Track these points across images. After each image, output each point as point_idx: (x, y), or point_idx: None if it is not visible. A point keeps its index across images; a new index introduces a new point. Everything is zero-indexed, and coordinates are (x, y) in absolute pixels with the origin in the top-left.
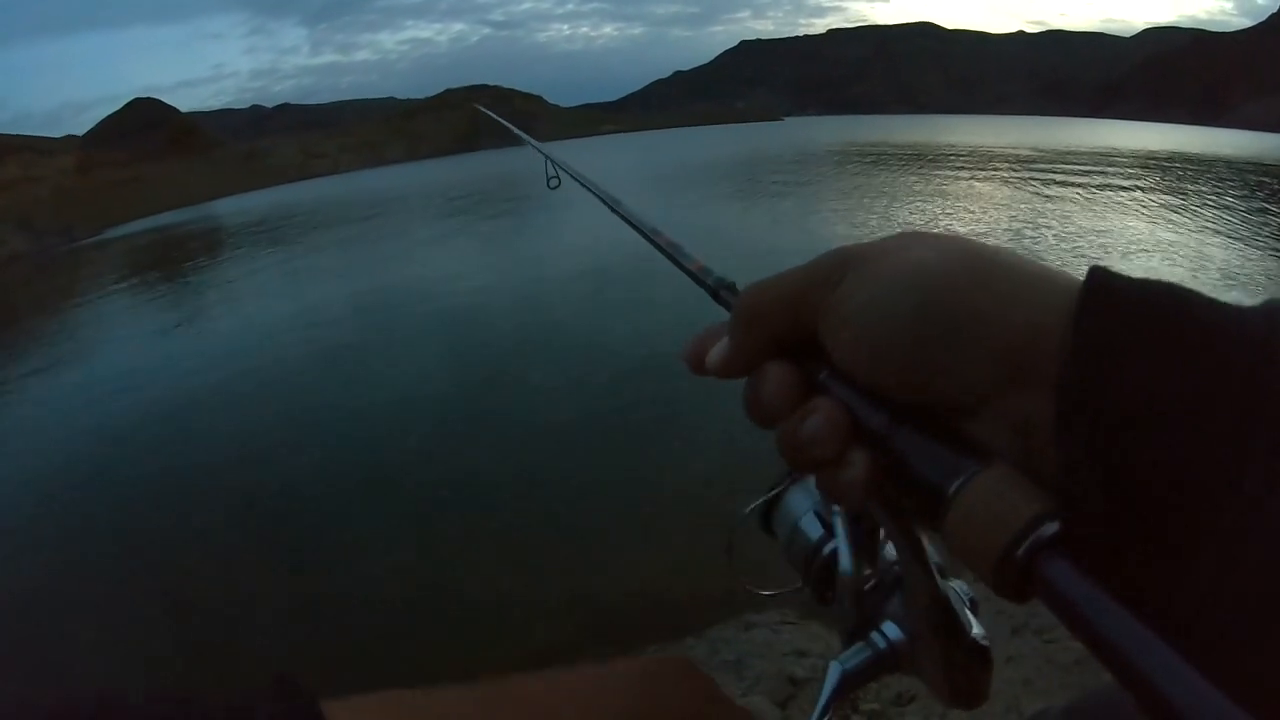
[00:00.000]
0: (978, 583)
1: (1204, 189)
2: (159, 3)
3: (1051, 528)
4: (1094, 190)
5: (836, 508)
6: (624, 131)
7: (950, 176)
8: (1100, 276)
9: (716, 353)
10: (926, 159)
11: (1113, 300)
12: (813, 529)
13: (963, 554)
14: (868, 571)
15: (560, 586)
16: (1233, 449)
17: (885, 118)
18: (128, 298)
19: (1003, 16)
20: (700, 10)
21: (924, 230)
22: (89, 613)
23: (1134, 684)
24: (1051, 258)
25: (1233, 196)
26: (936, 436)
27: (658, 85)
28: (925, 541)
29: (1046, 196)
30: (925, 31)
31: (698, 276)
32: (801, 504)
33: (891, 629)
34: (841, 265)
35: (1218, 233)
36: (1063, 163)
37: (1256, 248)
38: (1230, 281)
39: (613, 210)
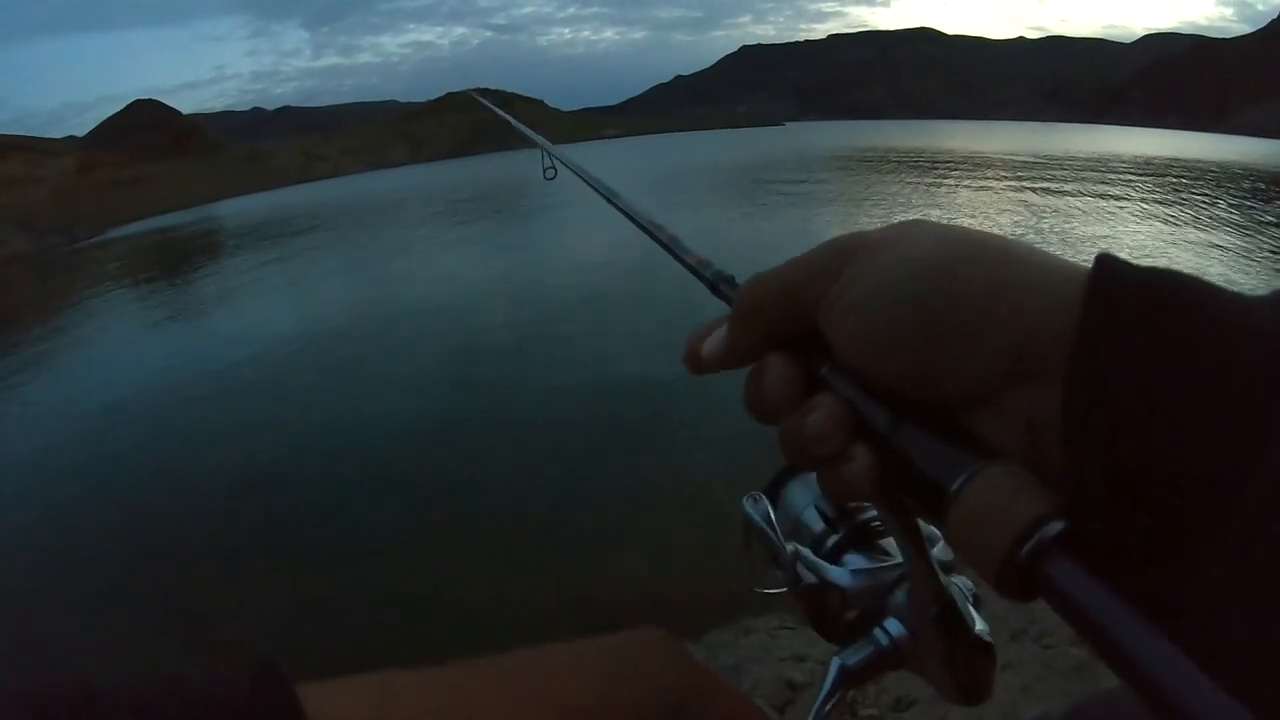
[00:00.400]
0: (974, 575)
1: (1204, 195)
2: (160, 4)
3: (1056, 527)
4: (1093, 197)
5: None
6: (625, 135)
7: (951, 183)
8: (1108, 265)
9: (714, 342)
10: (927, 164)
11: (1120, 291)
12: (815, 523)
13: (966, 552)
14: (871, 568)
15: (557, 589)
16: (1241, 446)
17: (886, 123)
18: (128, 299)
19: (1003, 22)
20: (701, 15)
21: (926, 220)
22: (83, 608)
23: (1140, 685)
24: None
25: (1233, 203)
26: (940, 432)
27: (659, 89)
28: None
29: (1047, 201)
30: (926, 36)
31: (697, 270)
32: (802, 498)
33: (894, 625)
34: (843, 255)
35: (1217, 239)
36: (1062, 168)
37: (1257, 256)
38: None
39: (610, 202)
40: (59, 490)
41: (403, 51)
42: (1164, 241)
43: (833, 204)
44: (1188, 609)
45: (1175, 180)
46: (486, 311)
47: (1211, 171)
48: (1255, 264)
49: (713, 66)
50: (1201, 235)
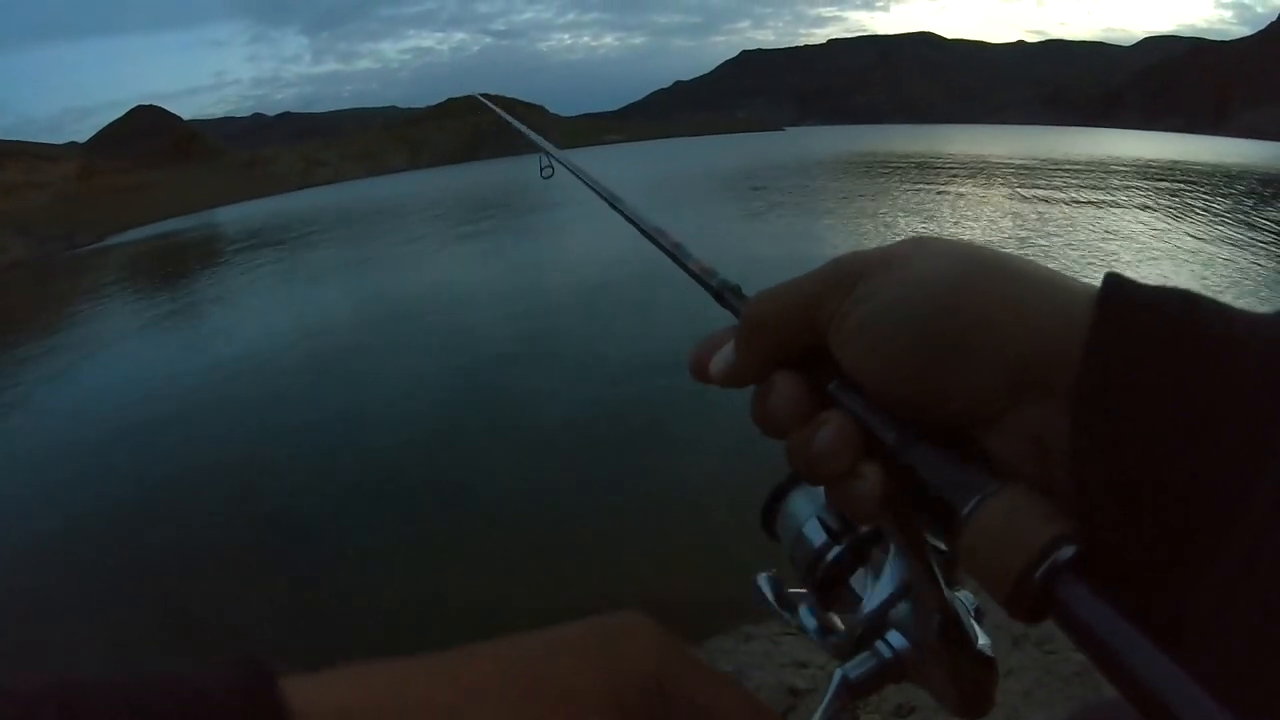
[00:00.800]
0: (981, 593)
1: (1205, 197)
2: (161, 10)
3: (1069, 551)
4: (1095, 200)
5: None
6: (625, 141)
7: (952, 187)
8: (1116, 284)
9: (721, 361)
10: (927, 169)
11: (1129, 310)
12: (816, 535)
13: (977, 573)
14: (873, 580)
15: (557, 592)
16: (1248, 467)
17: (885, 127)
18: (128, 304)
19: (1002, 26)
20: (701, 20)
21: (934, 236)
22: (81, 610)
23: (1150, 709)
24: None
25: (1233, 204)
26: (951, 452)
27: (659, 95)
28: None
29: (1047, 207)
30: (925, 41)
31: (702, 279)
32: (805, 508)
33: (896, 638)
34: (851, 273)
35: (1218, 241)
36: (1061, 172)
37: (1258, 257)
38: (1235, 289)
39: (612, 206)
40: (56, 492)
41: (403, 58)
42: (1163, 243)
43: (832, 210)
44: (1194, 627)
45: (1175, 183)
46: (486, 316)
47: (1213, 174)
48: (1255, 265)
49: (712, 72)
50: (1201, 237)
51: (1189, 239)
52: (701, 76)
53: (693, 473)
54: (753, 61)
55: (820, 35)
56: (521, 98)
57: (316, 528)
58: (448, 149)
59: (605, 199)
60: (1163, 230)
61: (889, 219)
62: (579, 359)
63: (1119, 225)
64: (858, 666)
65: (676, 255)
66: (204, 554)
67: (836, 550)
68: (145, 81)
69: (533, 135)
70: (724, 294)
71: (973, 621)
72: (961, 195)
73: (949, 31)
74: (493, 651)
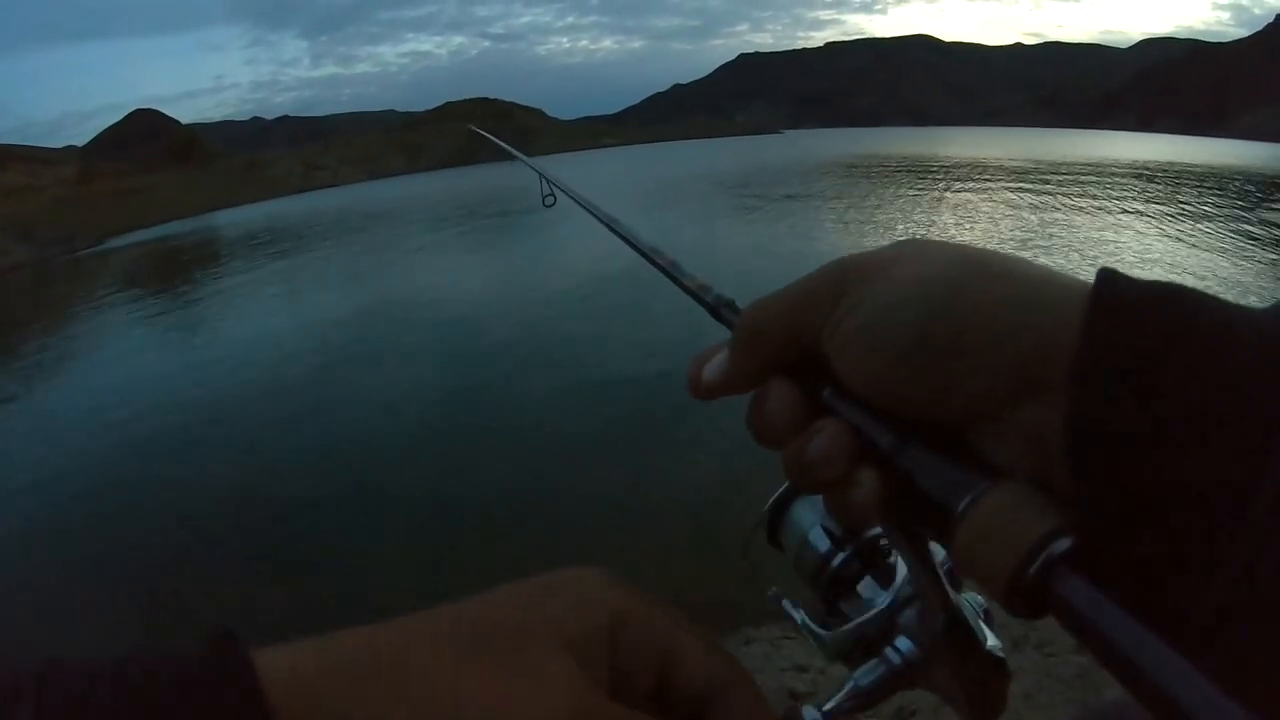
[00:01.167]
0: (979, 588)
1: (1203, 199)
2: (160, 14)
3: (1064, 544)
4: (1094, 203)
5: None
6: (623, 144)
7: (950, 189)
8: (1110, 280)
9: (714, 369)
10: (925, 171)
11: (1123, 304)
12: (821, 542)
13: (973, 572)
14: (880, 586)
15: None
16: (1248, 459)
17: (884, 130)
18: (125, 308)
19: (1000, 28)
20: (699, 24)
21: (927, 239)
22: (73, 611)
23: (1153, 700)
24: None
25: (1230, 206)
26: (945, 453)
27: (657, 98)
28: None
29: (1045, 212)
30: (923, 44)
31: (697, 294)
32: (808, 517)
33: (905, 643)
34: (843, 279)
35: (1215, 243)
36: (1060, 174)
37: (1254, 259)
38: (1233, 289)
39: (610, 229)
40: (55, 497)
41: (401, 61)
42: (1161, 243)
43: (827, 218)
44: (1197, 623)
45: (1175, 184)
46: (485, 325)
47: (1211, 175)
48: (1253, 265)
49: (710, 75)
50: (1197, 238)
51: (1185, 240)
52: (699, 80)
53: (691, 477)
54: (750, 65)
55: (818, 38)
56: (520, 101)
57: (313, 528)
58: (446, 153)
59: (604, 223)
60: (1160, 232)
61: (886, 223)
62: (576, 364)
63: (1117, 226)
64: (868, 674)
65: (672, 273)
66: (199, 554)
67: (841, 557)
68: (144, 85)
69: (532, 164)
70: (719, 309)
71: (981, 623)
72: (959, 199)
73: (947, 34)
74: (455, 610)
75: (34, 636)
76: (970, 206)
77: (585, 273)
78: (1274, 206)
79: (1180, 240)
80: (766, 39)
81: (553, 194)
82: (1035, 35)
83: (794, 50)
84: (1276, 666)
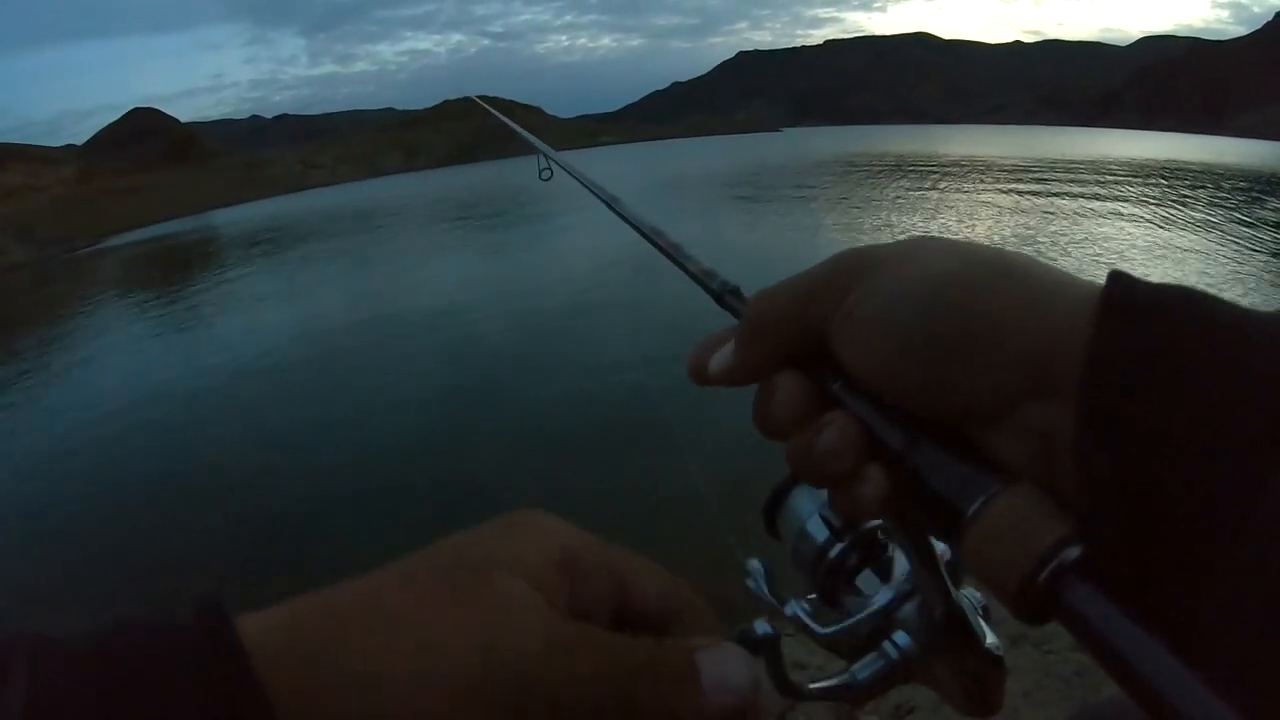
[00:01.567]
0: (986, 593)
1: (1205, 197)
2: (159, 12)
3: (1075, 552)
4: (1095, 199)
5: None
6: (622, 142)
7: (949, 187)
8: (1120, 282)
9: (720, 360)
10: (925, 169)
11: (1134, 306)
12: (819, 532)
13: (982, 575)
14: (879, 580)
15: None
16: (1258, 467)
17: (883, 128)
18: (124, 306)
19: (999, 26)
20: (698, 22)
21: (938, 236)
22: (71, 603)
23: (1160, 712)
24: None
25: (1232, 204)
26: (956, 451)
27: (656, 96)
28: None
29: (1048, 206)
30: (922, 42)
31: (702, 280)
32: (807, 506)
33: (903, 638)
34: (853, 271)
35: (1216, 239)
36: (1059, 172)
37: (1256, 256)
38: (1236, 288)
39: (610, 209)
40: (55, 494)
41: (400, 59)
42: (1161, 243)
43: (824, 216)
44: (1202, 630)
45: (1174, 183)
46: (484, 318)
47: (1216, 174)
48: (1253, 264)
49: (710, 73)
50: (1199, 236)
51: (1188, 238)
52: (699, 78)
53: (690, 470)
54: (750, 63)
55: (817, 36)
56: (519, 99)
57: (312, 522)
58: (444, 151)
59: (604, 200)
60: (1162, 230)
61: (885, 220)
62: (575, 356)
63: (1118, 225)
64: (865, 668)
65: (676, 257)
66: (199, 550)
67: (840, 547)
68: (143, 84)
69: (530, 137)
70: (724, 296)
71: (980, 620)
72: (958, 196)
73: (946, 32)
74: (419, 556)
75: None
76: (970, 204)
77: (586, 263)
78: (1272, 204)
79: (1181, 238)
80: (766, 37)
81: (549, 168)
82: (1034, 33)
83: (793, 48)
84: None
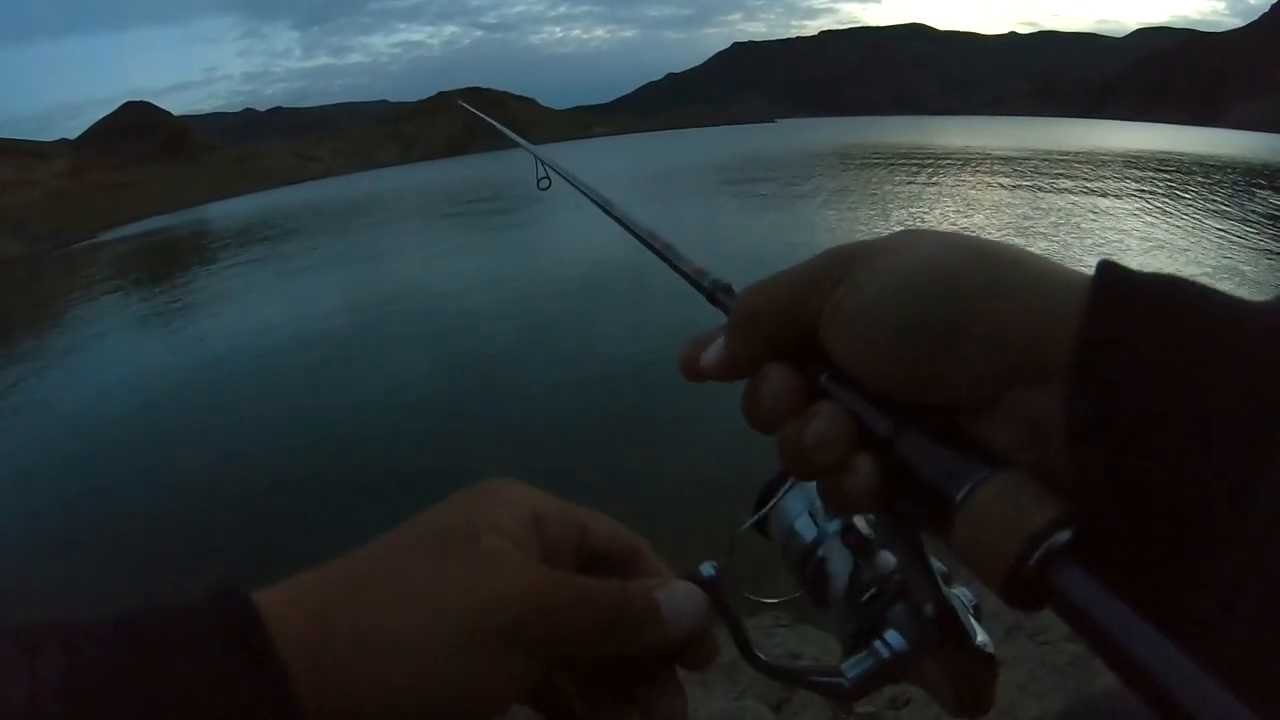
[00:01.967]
0: (974, 584)
1: (1200, 189)
2: (151, 6)
3: (1064, 535)
4: (1088, 196)
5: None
6: (617, 134)
7: (946, 179)
8: (1110, 270)
9: (712, 353)
10: (920, 160)
11: (1124, 294)
12: (808, 531)
13: (972, 562)
14: (867, 579)
15: None
16: (1249, 451)
17: (878, 119)
18: (118, 300)
19: (994, 18)
20: (692, 13)
21: (927, 229)
22: (68, 596)
23: (1150, 694)
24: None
25: (1227, 195)
26: (944, 440)
27: (650, 88)
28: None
29: (1045, 201)
30: (917, 33)
31: (694, 279)
32: (797, 506)
33: (894, 637)
34: (842, 263)
35: (1211, 230)
36: (1063, 164)
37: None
38: (1233, 279)
39: (606, 212)
40: (49, 485)
41: (393, 51)
42: (1160, 234)
43: (817, 211)
44: (1194, 616)
45: (1171, 175)
46: (479, 313)
47: (1208, 166)
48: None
49: (704, 64)
50: (1193, 228)
51: (1182, 230)
52: (693, 69)
53: (686, 466)
54: (745, 54)
55: (812, 27)
56: (513, 91)
57: (306, 517)
58: (439, 143)
59: (599, 205)
60: (1158, 222)
61: (881, 211)
62: (569, 352)
63: (1116, 216)
64: (855, 666)
65: (668, 257)
66: (196, 539)
67: (827, 547)
68: (135, 78)
69: (529, 146)
70: (716, 294)
71: (971, 618)
72: (954, 188)
73: (941, 23)
74: (408, 525)
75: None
76: (965, 195)
77: (580, 261)
78: (1263, 195)
79: (1176, 228)
80: (760, 28)
81: (548, 177)
82: (1030, 24)
83: (788, 39)
84: (1275, 659)
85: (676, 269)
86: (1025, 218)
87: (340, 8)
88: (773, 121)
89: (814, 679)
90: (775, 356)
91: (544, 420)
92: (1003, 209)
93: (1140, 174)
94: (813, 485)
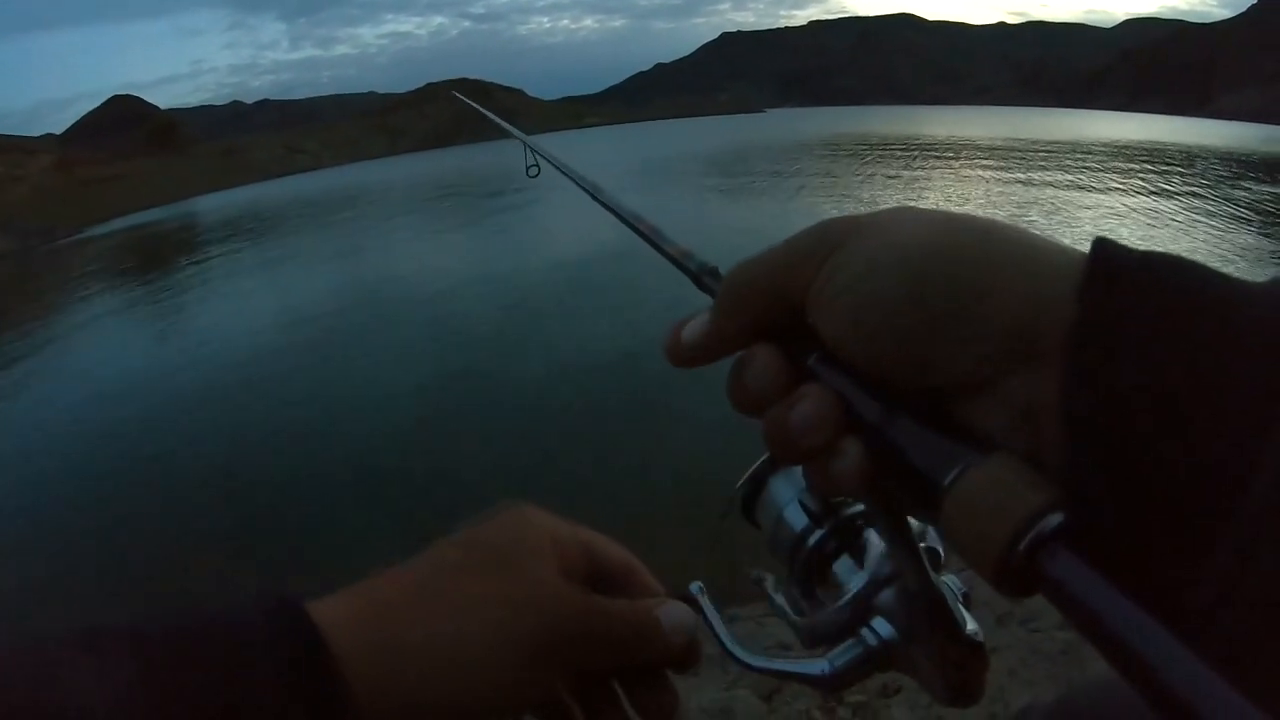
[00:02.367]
0: (964, 571)
1: (1189, 177)
2: None
3: (1055, 519)
4: (1075, 190)
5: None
6: (606, 124)
7: (935, 167)
8: (1106, 248)
9: (693, 329)
10: (909, 150)
11: (1120, 275)
12: (797, 519)
13: (961, 548)
14: (855, 565)
15: None
16: (1246, 435)
17: (867, 108)
18: (106, 295)
19: (983, 7)
20: (681, 2)
21: (917, 206)
22: (66, 603)
23: (1142, 681)
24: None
25: (1215, 184)
26: (933, 423)
27: (639, 77)
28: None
29: (1035, 194)
30: (906, 23)
31: (680, 262)
32: (785, 492)
33: (882, 625)
34: (830, 240)
35: (1201, 219)
36: (1044, 153)
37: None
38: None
39: (593, 197)
40: (40, 483)
41: (380, 42)
42: (1153, 222)
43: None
44: (1191, 604)
45: (1163, 163)
46: (470, 303)
47: (1202, 155)
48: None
49: (693, 54)
50: (1184, 215)
51: (1174, 218)
52: (682, 59)
53: (675, 453)
54: (733, 43)
55: (801, 16)
56: (501, 81)
57: (297, 512)
58: (427, 134)
59: (587, 191)
60: (1151, 209)
61: (869, 200)
62: (559, 341)
63: (1106, 205)
64: (841, 655)
65: (654, 240)
66: (186, 540)
67: (818, 535)
68: (122, 71)
69: (518, 133)
70: (702, 277)
71: (961, 607)
72: (943, 177)
73: (930, 13)
74: (448, 546)
75: (15, 620)
76: (954, 184)
77: (570, 250)
78: (1248, 185)
79: (1165, 216)
80: (749, 17)
81: (537, 165)
82: (1018, 14)
83: (777, 29)
84: (1271, 647)
85: (662, 251)
86: (1019, 205)
87: None
88: (762, 111)
89: (799, 672)
90: (762, 336)
91: (530, 408)
92: (993, 198)
93: (1127, 165)
94: (799, 470)
